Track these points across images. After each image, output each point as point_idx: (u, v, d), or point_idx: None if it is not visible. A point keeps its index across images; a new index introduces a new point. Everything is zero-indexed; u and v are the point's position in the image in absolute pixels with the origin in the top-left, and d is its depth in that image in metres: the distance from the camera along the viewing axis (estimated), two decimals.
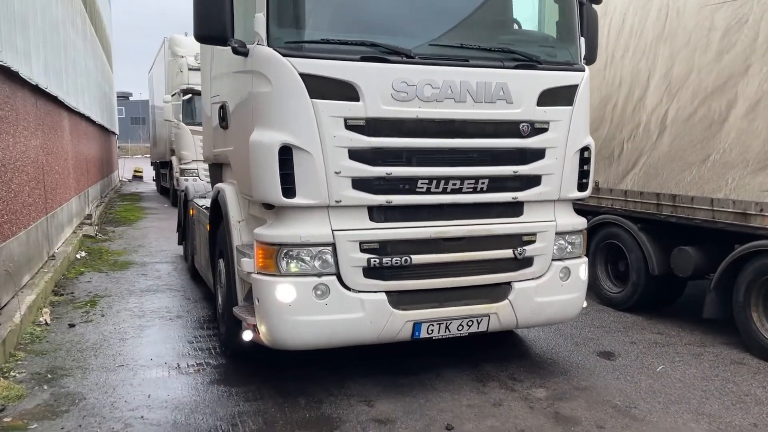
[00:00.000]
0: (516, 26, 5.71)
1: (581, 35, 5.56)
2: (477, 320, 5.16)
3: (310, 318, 4.74)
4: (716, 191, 6.45)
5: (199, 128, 17.89)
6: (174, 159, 19.73)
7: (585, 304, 5.80)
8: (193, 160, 18.03)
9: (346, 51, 4.66)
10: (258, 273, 4.83)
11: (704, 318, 6.71)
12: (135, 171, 36.93)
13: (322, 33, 4.73)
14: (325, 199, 4.69)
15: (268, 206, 4.88)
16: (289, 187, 4.63)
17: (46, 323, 6.99)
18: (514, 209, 5.29)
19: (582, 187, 5.51)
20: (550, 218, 5.42)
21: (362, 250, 4.82)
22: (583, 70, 5.43)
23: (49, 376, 5.51)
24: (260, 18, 4.62)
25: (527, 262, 5.32)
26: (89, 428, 4.55)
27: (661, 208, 7.15)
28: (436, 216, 5.04)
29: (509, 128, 5.08)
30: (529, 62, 5.13)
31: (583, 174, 5.50)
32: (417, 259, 4.94)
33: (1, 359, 5.62)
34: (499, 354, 6.14)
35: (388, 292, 4.91)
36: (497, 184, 5.13)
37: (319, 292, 4.74)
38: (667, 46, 7.11)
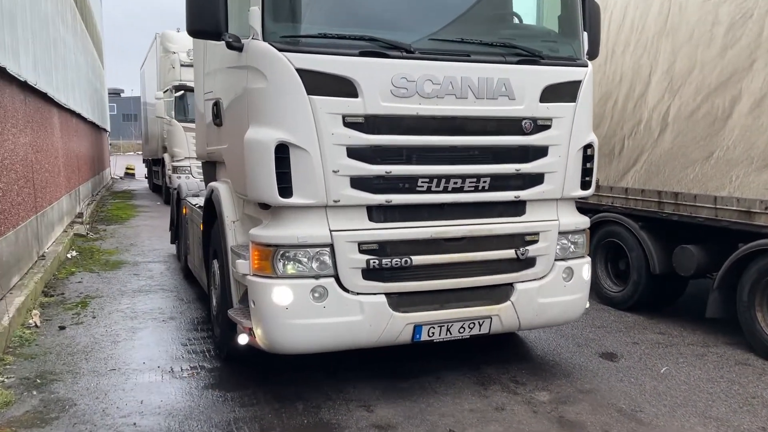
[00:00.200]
0: (517, 20, 5.58)
1: (584, 30, 5.44)
2: (479, 322, 5.03)
3: (307, 321, 4.60)
4: (720, 189, 6.34)
5: (192, 125, 17.67)
6: (166, 156, 19.54)
7: (587, 305, 5.69)
8: (185, 158, 17.88)
9: (344, 46, 4.52)
10: (254, 275, 4.68)
11: (707, 318, 6.61)
12: (127, 168, 36.66)
13: (319, 27, 4.58)
14: (322, 198, 4.55)
15: (264, 206, 4.74)
16: (285, 187, 4.49)
17: (36, 325, 6.82)
18: (516, 208, 5.17)
19: (585, 185, 5.39)
20: (553, 217, 5.30)
21: (361, 251, 4.68)
22: (586, 66, 5.31)
23: (39, 381, 5.35)
24: (255, 12, 4.47)
25: (530, 262, 5.19)
26: None
27: (663, 206, 7.04)
28: (436, 216, 4.90)
29: (511, 125, 4.95)
30: (531, 57, 5.00)
31: (586, 172, 5.38)
32: (417, 260, 4.81)
33: None
34: (500, 356, 6.02)
35: (387, 294, 4.77)
36: (499, 182, 5.00)
37: (316, 295, 4.60)
38: (670, 42, 6.99)
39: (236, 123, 5.01)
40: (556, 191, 5.21)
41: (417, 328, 4.84)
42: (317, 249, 4.62)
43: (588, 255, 5.62)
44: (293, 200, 4.52)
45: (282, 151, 4.45)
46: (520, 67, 4.93)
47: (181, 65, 18.00)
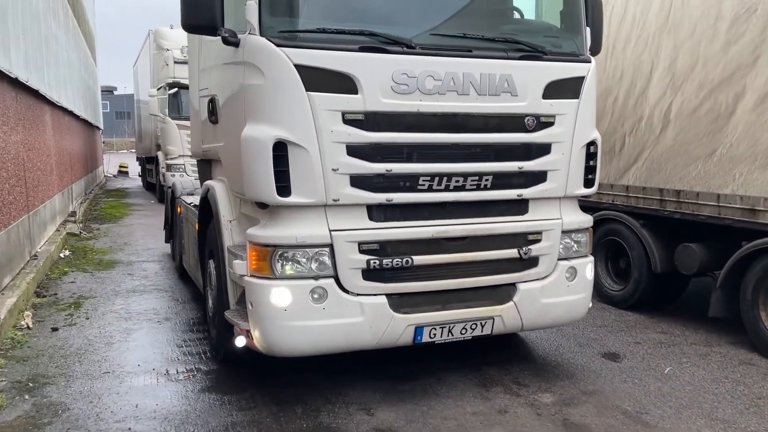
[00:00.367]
0: (518, 15, 5.48)
1: (586, 25, 5.34)
2: (481, 323, 4.94)
3: (306, 323, 4.50)
4: (723, 186, 6.25)
5: (186, 123, 17.58)
6: (160, 154, 19.40)
7: (590, 305, 5.60)
8: (179, 156, 17.74)
9: (343, 41, 4.41)
10: (251, 276, 4.57)
11: (709, 317, 6.53)
12: (120, 166, 36.47)
13: (318, 22, 4.47)
14: (322, 197, 4.44)
15: (262, 205, 4.63)
16: (283, 185, 4.37)
17: (28, 327, 6.69)
18: (519, 207, 5.07)
19: (588, 183, 5.30)
20: (556, 216, 5.20)
21: (361, 251, 4.57)
22: (590, 61, 5.22)
23: (31, 384, 5.23)
24: (252, 6, 4.35)
25: (532, 262, 5.10)
26: None
27: (665, 204, 6.95)
28: (438, 215, 4.80)
29: (514, 122, 4.85)
30: (534, 53, 4.90)
31: (590, 169, 5.29)
32: (418, 260, 4.71)
33: None
34: (501, 356, 5.93)
35: (388, 295, 4.67)
36: (502, 180, 4.90)
37: (316, 296, 4.49)
38: (671, 37, 6.90)
39: (233, 120, 4.90)
40: (559, 189, 5.11)
41: (418, 329, 4.74)
42: (316, 249, 4.51)
43: (591, 254, 5.53)
44: (292, 199, 4.41)
45: (280, 149, 4.34)
46: (522, 62, 4.83)
47: (175, 62, 17.88)
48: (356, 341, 4.65)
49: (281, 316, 4.45)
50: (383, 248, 4.63)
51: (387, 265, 4.61)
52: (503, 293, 5.05)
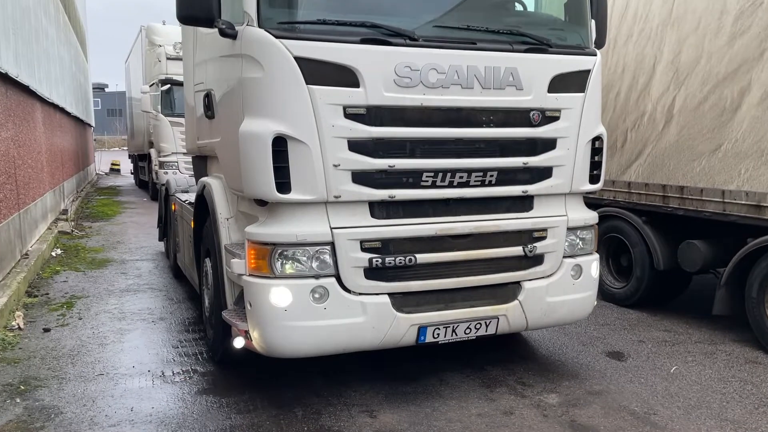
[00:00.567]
0: (522, 7, 5.36)
1: (591, 17, 5.23)
2: (485, 323, 4.82)
3: (307, 323, 4.37)
4: (728, 182, 6.15)
5: (179, 119, 17.42)
6: (153, 151, 19.22)
7: (595, 303, 5.51)
8: (172, 153, 17.57)
9: (344, 33, 4.28)
10: (250, 275, 4.44)
11: (713, 314, 6.44)
12: (112, 164, 36.20)
13: (318, 13, 4.33)
14: (323, 194, 4.31)
15: (261, 202, 4.49)
16: (283, 182, 4.24)
17: (19, 328, 6.53)
18: (524, 203, 4.96)
19: (594, 179, 5.19)
20: (561, 213, 5.09)
21: (363, 249, 4.44)
22: (595, 55, 5.11)
23: (23, 387, 5.07)
24: None
25: (537, 259, 4.99)
26: None
27: (668, 201, 6.86)
28: (441, 212, 4.68)
29: (519, 117, 4.74)
30: (540, 45, 4.77)
31: (595, 165, 5.18)
32: (422, 258, 4.58)
33: None
34: (503, 356, 5.82)
35: (390, 294, 4.55)
36: (507, 176, 4.78)
37: (317, 296, 4.37)
38: (675, 31, 6.80)
39: (230, 115, 4.76)
40: (564, 185, 5.00)
41: (422, 329, 4.63)
42: (317, 247, 4.38)
43: (596, 251, 5.42)
44: (292, 196, 4.27)
45: (279, 144, 4.21)
46: (528, 55, 4.72)
47: (168, 58, 17.65)
48: (358, 342, 4.53)
49: (281, 316, 4.32)
50: (386, 246, 4.50)
51: (390, 263, 4.48)
52: (508, 292, 4.94)
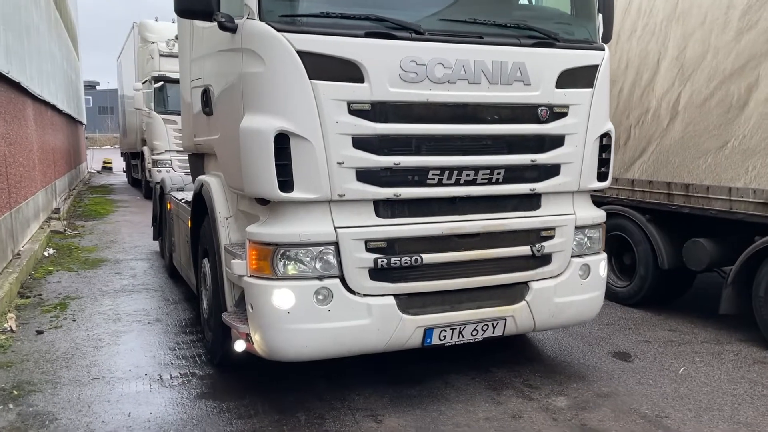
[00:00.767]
0: (528, 1, 5.25)
1: (598, 11, 5.12)
2: (492, 324, 4.71)
3: (311, 326, 4.24)
4: (735, 180, 6.06)
5: (172, 117, 17.25)
6: (146, 149, 19.03)
7: (602, 303, 5.39)
8: (166, 151, 17.40)
9: (348, 26, 4.14)
10: (251, 276, 4.30)
11: (720, 314, 6.34)
12: (104, 162, 35.90)
13: (322, 5, 4.18)
14: (326, 192, 4.18)
15: (262, 201, 4.35)
16: (285, 180, 4.10)
17: (12, 330, 6.36)
18: (531, 202, 4.84)
19: (602, 176, 5.08)
20: (569, 211, 4.98)
21: (368, 250, 4.31)
22: (603, 49, 4.99)
23: (16, 392, 4.92)
24: None
25: (545, 259, 4.87)
26: None
27: (673, 198, 6.76)
28: (447, 210, 4.56)
29: (527, 113, 4.62)
30: (548, 40, 4.65)
31: (603, 162, 5.07)
32: (428, 258, 4.46)
33: None
34: (509, 357, 5.71)
35: (396, 296, 4.43)
36: (514, 174, 4.66)
37: (320, 297, 4.24)
38: (680, 26, 6.69)
39: (229, 111, 4.62)
40: (572, 183, 4.89)
41: (428, 331, 4.50)
42: (321, 247, 4.25)
43: (604, 251, 5.32)
44: (294, 195, 4.14)
45: (282, 141, 4.07)
46: (535, 50, 4.59)
47: (161, 55, 17.47)
48: (363, 344, 4.40)
49: (284, 318, 4.19)
50: (391, 246, 4.38)
51: (395, 263, 4.36)
52: (515, 292, 4.82)
